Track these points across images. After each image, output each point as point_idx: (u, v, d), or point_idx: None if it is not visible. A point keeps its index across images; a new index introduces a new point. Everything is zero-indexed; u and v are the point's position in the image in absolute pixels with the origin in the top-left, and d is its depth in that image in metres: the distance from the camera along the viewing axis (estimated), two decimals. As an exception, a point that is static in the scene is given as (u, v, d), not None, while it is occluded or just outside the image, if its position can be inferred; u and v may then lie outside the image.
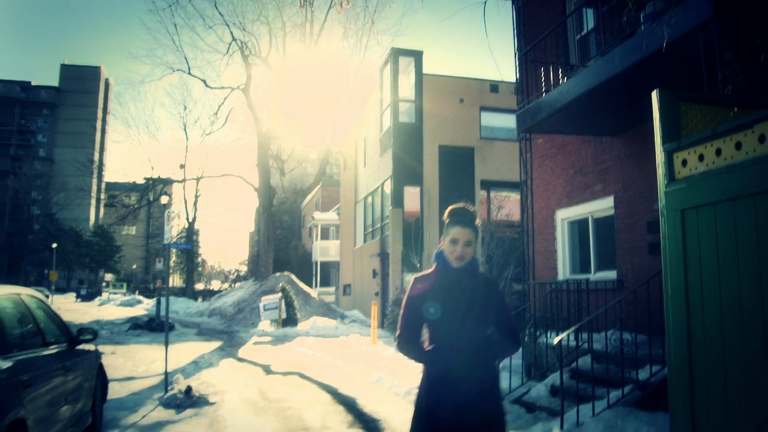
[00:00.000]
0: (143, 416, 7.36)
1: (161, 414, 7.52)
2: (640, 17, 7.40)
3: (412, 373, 9.46)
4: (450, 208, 3.24)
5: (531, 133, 10.65)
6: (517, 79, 10.50)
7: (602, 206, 10.32)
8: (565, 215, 11.47)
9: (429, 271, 3.21)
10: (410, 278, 3.20)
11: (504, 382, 7.55)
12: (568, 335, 6.90)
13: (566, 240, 11.47)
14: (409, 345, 3.07)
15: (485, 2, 8.22)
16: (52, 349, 4.98)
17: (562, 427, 5.66)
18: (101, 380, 6.65)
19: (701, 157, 3.99)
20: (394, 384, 9.22)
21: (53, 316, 5.49)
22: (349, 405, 8.28)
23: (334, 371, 11.50)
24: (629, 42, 7.29)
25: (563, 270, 11.45)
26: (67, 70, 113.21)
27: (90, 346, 6.28)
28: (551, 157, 11.83)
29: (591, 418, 5.66)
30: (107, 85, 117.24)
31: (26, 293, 5.09)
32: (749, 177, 3.55)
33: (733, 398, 3.59)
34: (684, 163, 4.15)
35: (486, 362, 3.07)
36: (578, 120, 9.21)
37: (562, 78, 9.93)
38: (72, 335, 5.66)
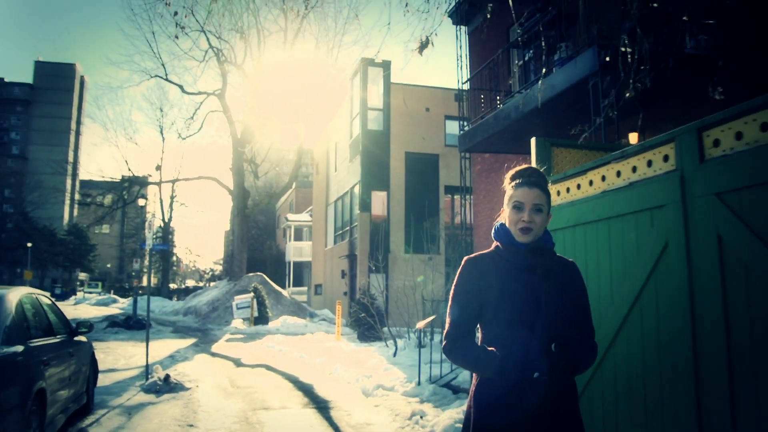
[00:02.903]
0: (128, 399, 8.55)
1: (143, 397, 8.71)
2: (553, 59, 8.77)
3: (365, 364, 10.78)
4: (511, 171, 2.60)
5: (470, 152, 12.00)
6: (460, 104, 11.83)
7: (536, 217, 11.67)
8: (506, 224, 12.81)
9: (487, 250, 2.54)
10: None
11: (435, 370, 8.88)
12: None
13: (507, 246, 12.82)
14: (462, 347, 2.38)
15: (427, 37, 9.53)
16: (59, 338, 6.17)
17: (471, 402, 7.02)
18: (93, 367, 7.86)
19: (558, 193, 5.33)
20: (347, 374, 10.49)
21: (57, 312, 6.67)
22: (307, 390, 9.54)
23: (298, 364, 12.74)
24: (545, 81, 8.65)
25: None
26: (41, 67, 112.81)
27: (84, 338, 7.47)
28: (495, 171, 13.18)
29: (496, 395, 7.04)
30: (82, 83, 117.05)
31: (38, 293, 6.31)
32: (582, 211, 4.88)
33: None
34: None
35: (564, 376, 2.35)
36: (510, 142, 10.55)
37: (500, 104, 11.28)
38: (72, 327, 6.86)
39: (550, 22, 8.63)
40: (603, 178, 4.72)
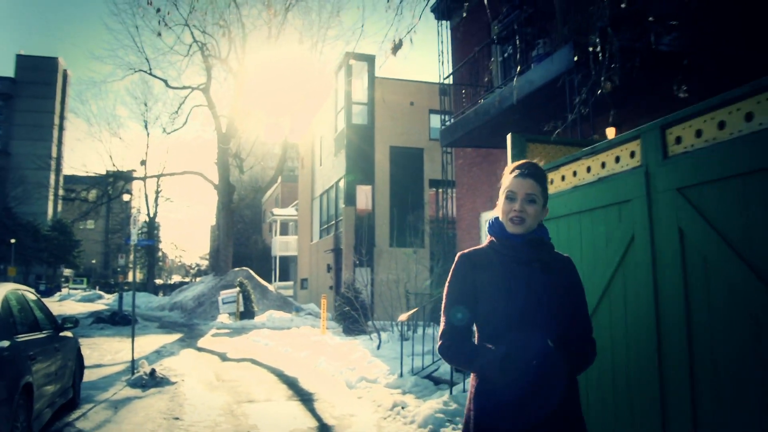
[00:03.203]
0: (114, 394, 8.65)
1: (129, 392, 8.81)
2: (532, 56, 8.92)
3: (349, 357, 10.92)
4: (510, 166, 2.48)
5: (452, 147, 12.15)
6: (441, 100, 11.98)
7: (517, 210, 11.87)
8: (489, 217, 12.99)
9: (481, 245, 2.45)
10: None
11: (417, 362, 9.04)
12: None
13: (490, 239, 13.00)
14: (458, 346, 2.27)
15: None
16: (45, 334, 6.26)
17: (451, 392, 7.20)
18: (79, 363, 7.94)
19: (533, 188, 5.49)
20: (331, 367, 10.64)
21: (43, 307, 6.76)
22: (291, 383, 9.67)
23: (283, 357, 12.88)
24: (524, 77, 8.80)
25: (487, 265, 13.00)
26: (23, 61, 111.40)
27: (70, 334, 7.56)
28: (477, 165, 13.35)
29: (475, 385, 7.24)
30: (65, 77, 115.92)
31: (23, 289, 6.39)
32: (555, 205, 5.02)
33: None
34: (524, 191, 5.66)
35: (565, 377, 2.24)
36: (491, 137, 10.70)
37: (481, 99, 11.42)
38: (57, 323, 6.95)
39: (528, 19, 8.78)
40: (574, 174, 4.88)
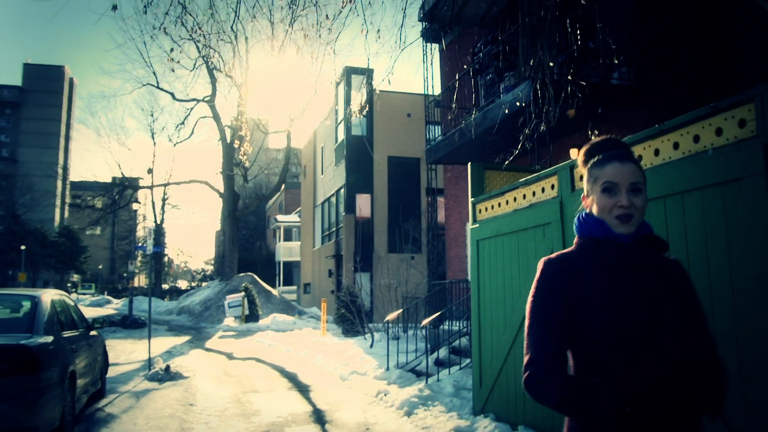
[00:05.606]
0: (134, 386, 9.80)
1: (148, 385, 9.96)
2: (501, 88, 10.07)
3: (344, 354, 12.07)
4: (586, 147, 1.95)
5: (436, 164, 13.31)
6: (426, 120, 13.14)
7: (497, 221, 12.99)
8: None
9: (569, 249, 1.92)
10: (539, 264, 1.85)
11: (402, 358, 10.17)
12: (433, 320, 9.62)
13: (474, 247, 14.14)
14: (552, 381, 1.69)
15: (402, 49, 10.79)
16: (80, 332, 7.42)
17: (427, 382, 8.34)
18: (105, 358, 9.12)
19: (486, 209, 6.63)
20: (328, 363, 11.80)
21: (77, 310, 7.93)
22: (291, 378, 10.82)
23: (285, 356, 14.03)
24: (492, 105, 9.94)
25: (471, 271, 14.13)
26: (30, 70, 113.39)
27: (97, 333, 8.72)
28: (463, 179, 14.47)
29: (447, 377, 8.38)
30: (72, 85, 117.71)
31: (62, 294, 7.57)
32: (502, 224, 6.17)
33: (497, 353, 6.21)
34: (480, 211, 6.80)
35: (697, 412, 1.69)
36: (470, 156, 11.84)
37: (463, 121, 12.56)
38: (88, 323, 8.12)
39: (497, 54, 9.92)
40: (515, 199, 6.03)
